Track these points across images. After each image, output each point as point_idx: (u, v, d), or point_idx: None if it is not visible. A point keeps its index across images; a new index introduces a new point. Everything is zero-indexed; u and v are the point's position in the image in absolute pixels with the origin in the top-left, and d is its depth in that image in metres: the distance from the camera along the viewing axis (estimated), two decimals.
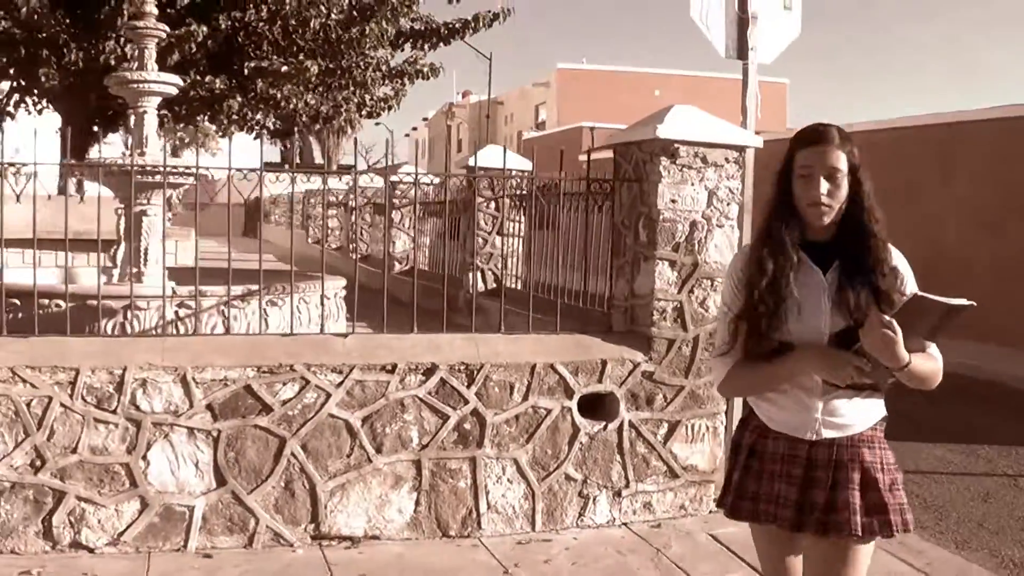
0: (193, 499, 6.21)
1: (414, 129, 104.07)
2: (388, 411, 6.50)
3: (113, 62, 14.65)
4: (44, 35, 14.91)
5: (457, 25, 17.30)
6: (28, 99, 20.35)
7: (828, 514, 3.62)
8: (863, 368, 3.44)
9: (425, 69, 18.54)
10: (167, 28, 10.92)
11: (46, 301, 7.92)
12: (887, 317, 3.34)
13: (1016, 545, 7.38)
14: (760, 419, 3.82)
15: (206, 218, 14.31)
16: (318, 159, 67.19)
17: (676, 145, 7.09)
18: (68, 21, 14.67)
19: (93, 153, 20.69)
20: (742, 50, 7.89)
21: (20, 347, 6.19)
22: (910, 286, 3.66)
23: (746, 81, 7.93)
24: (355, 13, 15.78)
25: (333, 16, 15.14)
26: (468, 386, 6.64)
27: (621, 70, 71.01)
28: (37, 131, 7.55)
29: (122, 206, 9.71)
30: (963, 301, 3.36)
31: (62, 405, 5.99)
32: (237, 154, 7.25)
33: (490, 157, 11.06)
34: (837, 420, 3.65)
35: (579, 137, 50.22)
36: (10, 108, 21.53)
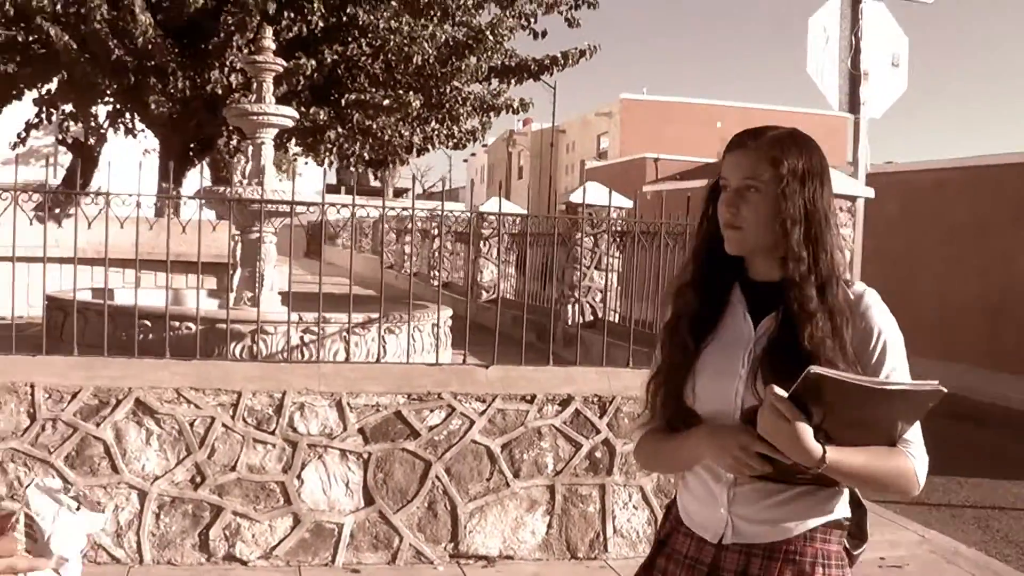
0: (342, 517, 6.59)
1: (473, 155, 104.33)
2: (526, 439, 6.86)
3: (219, 91, 15.16)
4: (154, 63, 15.44)
5: (547, 61, 17.73)
6: (123, 123, 21.00)
7: None
8: (749, 460, 2.54)
9: (515, 103, 19.04)
10: (284, 62, 11.38)
11: (177, 323, 8.33)
12: (780, 394, 2.44)
13: None
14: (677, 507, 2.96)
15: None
16: (372, 183, 67.73)
17: None
18: (176, 50, 15.21)
19: (192, 179, 21.39)
20: (854, 104, 8.23)
21: (185, 369, 6.62)
22: (890, 344, 2.71)
23: (857, 134, 8.26)
24: (449, 49, 16.24)
25: (431, 52, 15.57)
26: (600, 416, 6.99)
27: (682, 101, 71.08)
28: (131, 155, 8.03)
29: (238, 232, 10.15)
30: (903, 384, 2.56)
31: (223, 425, 6.40)
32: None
33: (592, 195, 11.42)
34: (751, 520, 2.71)
35: (642, 167, 50.60)
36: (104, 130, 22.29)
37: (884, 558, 7.11)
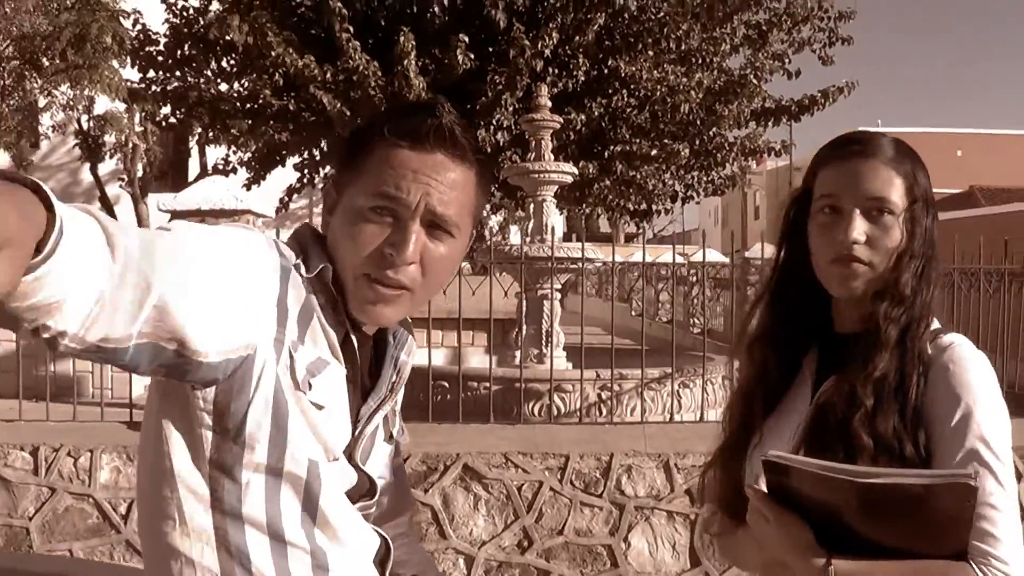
0: None
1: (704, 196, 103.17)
2: None
3: (488, 150, 15.37)
4: None
5: (806, 101, 17.44)
6: None
7: None
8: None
9: (776, 146, 18.85)
10: (560, 120, 11.45)
11: (474, 384, 8.39)
12: (757, 490, 1.91)
13: None
14: None
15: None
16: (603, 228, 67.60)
17: None
18: None
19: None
20: None
21: (510, 434, 6.68)
22: (974, 418, 1.94)
23: None
24: (713, 95, 16.13)
25: (698, 99, 15.50)
26: None
27: (920, 131, 69.10)
28: None
29: (521, 290, 10.21)
30: (899, 476, 1.75)
31: (551, 489, 6.40)
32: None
33: None
34: None
35: None
36: None
37: None
